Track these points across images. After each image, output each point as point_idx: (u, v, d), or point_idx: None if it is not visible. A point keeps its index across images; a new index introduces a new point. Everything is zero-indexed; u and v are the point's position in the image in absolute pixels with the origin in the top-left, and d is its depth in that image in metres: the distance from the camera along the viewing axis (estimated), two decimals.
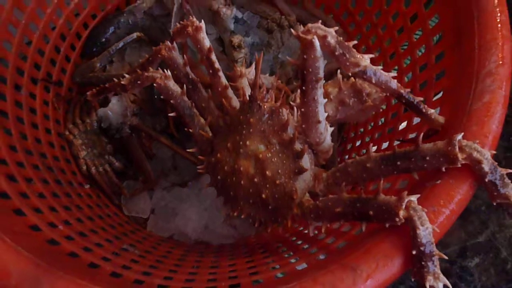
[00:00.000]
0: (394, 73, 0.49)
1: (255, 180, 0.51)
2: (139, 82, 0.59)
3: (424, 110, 0.50)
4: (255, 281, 0.50)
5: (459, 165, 0.42)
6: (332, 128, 0.52)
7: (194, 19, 0.59)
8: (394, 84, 0.49)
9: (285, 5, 0.84)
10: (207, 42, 0.59)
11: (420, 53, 0.63)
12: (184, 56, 0.60)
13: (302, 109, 0.48)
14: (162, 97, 0.57)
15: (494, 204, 0.43)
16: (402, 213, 0.40)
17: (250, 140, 0.51)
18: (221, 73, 0.59)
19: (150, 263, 0.57)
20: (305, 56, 0.43)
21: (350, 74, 0.46)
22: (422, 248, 0.39)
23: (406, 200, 0.40)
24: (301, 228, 0.68)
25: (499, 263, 0.95)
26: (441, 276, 0.40)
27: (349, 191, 0.48)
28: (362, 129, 0.78)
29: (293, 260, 0.54)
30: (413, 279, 0.41)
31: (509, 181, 0.42)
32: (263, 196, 0.51)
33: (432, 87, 0.58)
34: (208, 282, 0.51)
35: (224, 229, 0.78)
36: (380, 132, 0.71)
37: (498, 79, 0.47)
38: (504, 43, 0.49)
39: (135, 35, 0.79)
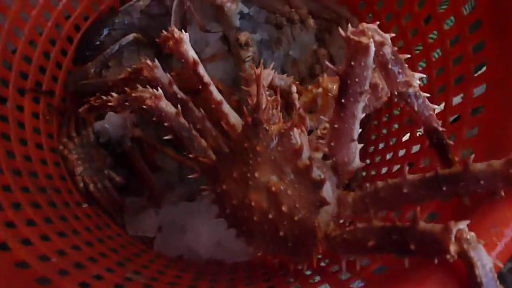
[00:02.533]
0: (437, 107, 0.44)
1: (270, 216, 0.44)
2: (127, 104, 0.52)
3: (450, 156, 0.45)
4: None
5: None
6: (362, 145, 0.45)
7: (175, 29, 0.52)
8: (434, 117, 0.44)
9: None
10: (191, 54, 0.52)
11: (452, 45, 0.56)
12: (168, 75, 0.53)
13: (335, 125, 0.41)
14: (154, 118, 0.50)
15: None
16: (453, 248, 0.33)
17: (259, 171, 0.43)
18: (212, 88, 0.52)
19: None
20: (352, 63, 0.36)
21: (397, 92, 0.40)
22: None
23: (454, 230, 0.33)
24: None
25: None
26: None
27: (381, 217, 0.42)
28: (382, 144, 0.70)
29: (315, 279, 0.48)
30: None
31: None
32: (281, 233, 0.44)
33: (472, 81, 0.51)
34: None
35: (239, 245, 0.71)
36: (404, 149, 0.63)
37: None
38: None
39: (131, 36, 0.72)
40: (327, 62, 0.41)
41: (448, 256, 0.33)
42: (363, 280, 0.44)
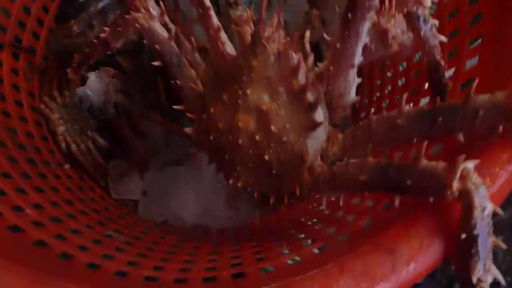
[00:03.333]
0: (444, 38, 0.42)
1: (257, 138, 0.41)
2: (120, 29, 0.50)
3: (446, 97, 0.44)
4: (263, 268, 0.41)
5: None
6: (360, 80, 0.43)
7: None
8: (438, 49, 0.42)
9: None
10: None
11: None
12: (160, 6, 0.51)
13: (338, 45, 0.39)
14: (146, 41, 0.48)
15: None
16: (456, 184, 0.30)
17: (251, 88, 0.41)
18: (212, 12, 0.49)
19: (139, 251, 0.48)
20: None
21: (407, 10, 0.39)
22: (475, 232, 0.30)
23: (461, 168, 0.31)
24: (314, 205, 0.59)
25: None
26: (493, 268, 0.31)
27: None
28: (378, 94, 0.69)
29: (307, 242, 0.46)
30: (454, 268, 0.32)
31: None
32: (266, 157, 0.42)
33: (467, 35, 0.49)
34: (207, 271, 0.43)
35: (225, 211, 0.69)
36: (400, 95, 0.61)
37: None
38: None
39: None
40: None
41: (448, 193, 0.31)
42: (349, 233, 0.42)
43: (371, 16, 0.38)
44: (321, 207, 0.56)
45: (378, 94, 0.68)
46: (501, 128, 0.34)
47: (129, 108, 0.69)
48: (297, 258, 0.42)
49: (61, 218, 0.48)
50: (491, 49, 0.44)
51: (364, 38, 0.39)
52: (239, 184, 0.46)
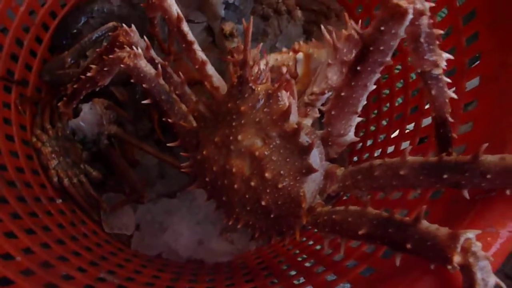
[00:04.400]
0: (454, 95, 0.42)
1: (252, 183, 0.40)
2: (106, 69, 0.49)
3: (450, 150, 0.44)
4: None
5: None
6: (360, 119, 0.42)
7: None
8: (448, 106, 0.42)
9: None
10: (175, 10, 0.49)
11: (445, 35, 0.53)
12: (145, 40, 0.50)
13: (342, 93, 0.38)
14: (132, 80, 0.47)
15: None
16: (457, 258, 0.29)
17: (242, 134, 0.40)
18: (196, 46, 0.49)
19: None
20: (382, 28, 0.33)
21: (421, 70, 0.39)
22: None
23: (462, 239, 0.30)
24: (311, 243, 0.58)
25: None
26: None
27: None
28: (374, 127, 0.68)
29: (298, 281, 0.45)
30: None
31: None
32: (263, 203, 0.41)
33: (464, 74, 0.48)
34: None
35: (220, 244, 0.68)
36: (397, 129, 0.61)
37: None
38: None
39: (111, 24, 0.69)
40: (348, 19, 0.39)
41: (449, 267, 0.30)
42: (349, 281, 0.41)
43: (380, 70, 0.37)
44: (318, 247, 0.55)
45: (374, 126, 0.67)
46: (508, 191, 0.33)
47: (123, 139, 0.68)
48: None
49: (51, 263, 0.47)
50: (491, 91, 0.44)
51: (371, 88, 0.38)
52: (238, 226, 0.45)
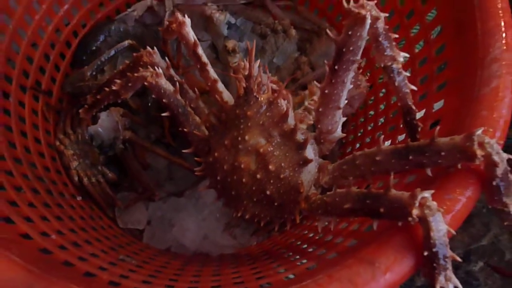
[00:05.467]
0: (415, 87, 0.51)
1: (258, 176, 0.48)
2: (130, 84, 0.56)
3: (417, 136, 0.52)
4: (263, 285, 0.47)
5: (477, 162, 0.39)
6: (345, 119, 0.51)
7: (178, 14, 0.58)
8: (410, 96, 0.50)
9: (278, 10, 0.83)
10: (191, 37, 0.57)
11: (418, 48, 0.62)
12: (166, 60, 0.58)
13: (326, 91, 0.46)
14: (154, 96, 0.54)
15: (489, 207, 0.41)
16: (415, 211, 0.37)
17: (249, 134, 0.48)
18: (209, 67, 0.57)
19: (149, 273, 0.54)
20: (350, 32, 0.41)
21: (383, 65, 0.47)
22: (434, 250, 0.37)
23: (419, 197, 0.37)
24: (305, 232, 0.65)
25: (504, 266, 0.93)
26: (453, 278, 0.37)
27: (357, 186, 0.46)
28: (361, 131, 0.76)
29: (300, 263, 0.52)
30: (422, 278, 0.38)
31: None
32: (268, 192, 0.48)
33: (434, 80, 0.57)
34: None
35: (224, 239, 0.75)
36: (380, 132, 0.69)
37: (504, 65, 0.46)
38: (507, 29, 0.48)
39: (126, 42, 0.77)
40: (328, 31, 0.48)
41: (410, 219, 0.37)
42: (337, 252, 0.48)
43: (355, 67, 0.45)
44: (311, 234, 0.62)
45: (361, 131, 0.75)
46: (459, 165, 0.41)
47: (136, 143, 0.76)
48: (292, 275, 0.48)
49: (79, 243, 0.54)
50: (455, 93, 0.52)
51: (348, 86, 0.46)
52: (246, 216, 0.52)
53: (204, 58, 0.58)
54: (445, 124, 0.51)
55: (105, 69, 0.79)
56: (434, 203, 0.37)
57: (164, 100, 0.55)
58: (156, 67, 0.55)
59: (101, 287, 0.43)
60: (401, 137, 0.62)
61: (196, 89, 0.58)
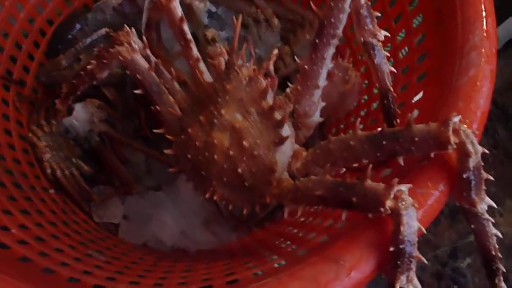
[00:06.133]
0: (394, 70, 0.49)
1: (230, 153, 0.46)
2: (105, 61, 0.55)
3: (394, 122, 0.50)
4: (230, 281, 0.45)
5: (450, 150, 0.37)
6: (324, 104, 0.49)
7: None
8: (389, 77, 0.49)
9: (260, 0, 0.81)
10: (179, 11, 0.55)
11: (400, 38, 0.60)
12: (142, 40, 0.56)
13: (306, 66, 0.44)
14: (128, 71, 0.52)
15: (457, 204, 0.39)
16: (389, 202, 0.35)
17: (225, 109, 0.46)
18: (193, 45, 0.55)
19: (117, 269, 0.52)
20: (332, 4, 0.41)
21: (363, 40, 0.46)
22: (401, 247, 0.35)
23: (395, 189, 0.35)
24: (284, 227, 0.63)
25: None
26: (415, 280, 0.35)
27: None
28: (343, 124, 0.74)
29: (271, 259, 0.50)
30: (383, 276, 0.36)
31: (485, 188, 0.38)
32: (239, 170, 0.46)
33: (415, 70, 0.55)
34: (178, 285, 0.46)
35: (203, 235, 0.73)
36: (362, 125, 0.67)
37: (483, 53, 0.44)
38: (487, 16, 0.46)
39: (103, 31, 0.75)
40: (311, 3, 0.48)
41: (382, 210, 0.35)
42: (306, 249, 0.47)
43: (335, 43, 0.44)
44: (289, 229, 0.60)
45: (343, 124, 0.73)
46: (432, 154, 0.39)
47: (113, 136, 0.74)
48: (261, 271, 0.46)
49: (44, 238, 0.52)
50: (434, 83, 0.50)
51: (328, 63, 0.45)
52: (214, 197, 0.49)
53: (189, 36, 0.56)
54: (423, 115, 0.49)
55: (82, 58, 0.76)
56: (410, 198, 0.35)
57: (138, 76, 0.53)
58: (132, 42, 0.53)
59: (59, 284, 0.41)
60: None
61: (172, 69, 0.56)
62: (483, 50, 0.44)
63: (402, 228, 0.34)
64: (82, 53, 0.75)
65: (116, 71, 0.74)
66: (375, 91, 0.65)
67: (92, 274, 0.47)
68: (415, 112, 0.51)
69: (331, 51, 0.44)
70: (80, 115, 0.72)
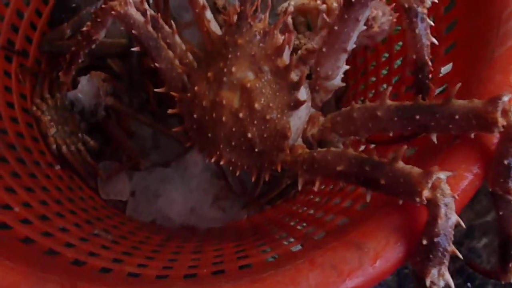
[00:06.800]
0: (436, 41, 0.45)
1: (240, 115, 0.42)
2: (99, 20, 0.51)
3: (426, 96, 0.46)
4: (242, 266, 0.43)
5: (496, 133, 0.33)
6: (348, 67, 0.44)
7: None
8: (428, 50, 0.45)
9: None
10: None
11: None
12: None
13: (335, 27, 0.40)
14: (122, 27, 0.49)
15: (490, 190, 0.35)
16: (426, 192, 0.31)
17: (236, 66, 0.42)
18: None
19: (124, 250, 0.50)
20: None
21: (408, 6, 0.42)
22: (436, 240, 0.32)
23: (434, 177, 0.32)
24: (297, 207, 0.61)
25: None
26: (447, 275, 0.32)
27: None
28: (362, 86, 0.70)
29: (286, 242, 0.47)
30: (412, 268, 0.33)
31: None
32: (249, 135, 0.42)
33: (442, 42, 0.50)
34: (189, 269, 0.44)
35: (212, 212, 0.71)
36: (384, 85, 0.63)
37: None
38: None
39: None
40: None
41: (417, 199, 0.32)
42: (325, 231, 0.44)
43: (374, 4, 0.40)
44: (303, 209, 0.58)
45: (362, 86, 0.69)
46: (472, 135, 0.35)
47: (120, 110, 0.71)
48: (276, 255, 0.44)
49: (49, 217, 0.50)
50: (464, 55, 0.46)
51: (362, 26, 0.40)
52: (221, 162, 0.46)
53: None
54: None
55: None
56: (448, 187, 0.31)
57: (133, 32, 0.49)
58: None
59: (60, 267, 0.39)
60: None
61: (172, 22, 0.52)
62: None
63: (439, 221, 0.31)
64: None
65: (121, 40, 0.71)
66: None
67: (99, 256, 0.45)
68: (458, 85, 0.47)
69: (367, 13, 0.39)
70: (86, 89, 0.69)
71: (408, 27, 0.43)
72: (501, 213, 0.36)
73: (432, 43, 0.45)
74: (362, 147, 0.55)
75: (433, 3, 0.52)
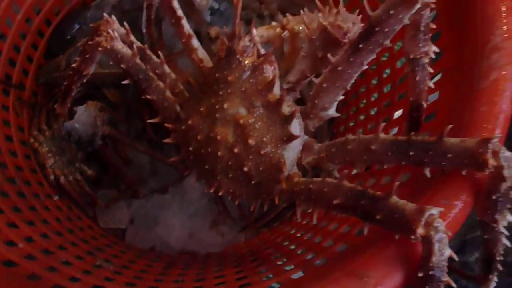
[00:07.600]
0: (432, 85, 0.47)
1: (235, 150, 0.43)
2: (87, 56, 0.52)
3: (418, 132, 0.49)
4: None
5: (486, 173, 0.35)
6: (342, 97, 0.46)
7: None
8: (426, 93, 0.47)
9: None
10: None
11: None
12: (125, 26, 0.53)
13: (339, 68, 0.41)
14: (112, 62, 0.50)
15: (477, 218, 0.38)
16: (420, 230, 0.33)
17: (228, 102, 0.43)
18: (184, 22, 0.52)
19: (127, 280, 0.51)
20: (391, 12, 0.37)
21: (413, 56, 0.44)
22: (431, 273, 0.33)
23: (427, 214, 0.33)
24: (294, 231, 0.62)
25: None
26: None
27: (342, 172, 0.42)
28: (354, 109, 0.72)
29: (287, 268, 0.48)
30: None
31: (509, 207, 0.37)
32: (245, 169, 0.43)
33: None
34: None
35: (211, 237, 0.72)
36: (373, 124, 0.65)
37: (505, 54, 0.42)
38: (508, 14, 0.44)
39: None
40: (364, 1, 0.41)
41: (412, 237, 0.34)
42: (326, 257, 0.45)
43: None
44: (300, 234, 0.59)
45: (353, 122, 0.72)
46: (464, 172, 0.37)
47: (117, 138, 0.72)
48: (278, 284, 0.45)
49: (51, 250, 0.51)
50: (450, 85, 0.48)
51: (364, 67, 0.42)
52: (220, 193, 0.47)
53: (180, 13, 0.53)
54: (440, 118, 0.48)
55: None
56: (442, 223, 0.33)
57: (122, 66, 0.49)
58: (111, 31, 0.50)
59: None
60: (398, 113, 0.58)
61: (160, 53, 0.52)
62: (505, 51, 0.42)
63: (433, 257, 0.33)
64: None
65: (115, 70, 0.73)
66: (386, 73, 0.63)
67: None
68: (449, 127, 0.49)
69: (371, 57, 0.41)
70: (82, 119, 0.70)
71: (410, 74, 0.46)
72: (486, 236, 0.39)
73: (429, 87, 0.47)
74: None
75: None
